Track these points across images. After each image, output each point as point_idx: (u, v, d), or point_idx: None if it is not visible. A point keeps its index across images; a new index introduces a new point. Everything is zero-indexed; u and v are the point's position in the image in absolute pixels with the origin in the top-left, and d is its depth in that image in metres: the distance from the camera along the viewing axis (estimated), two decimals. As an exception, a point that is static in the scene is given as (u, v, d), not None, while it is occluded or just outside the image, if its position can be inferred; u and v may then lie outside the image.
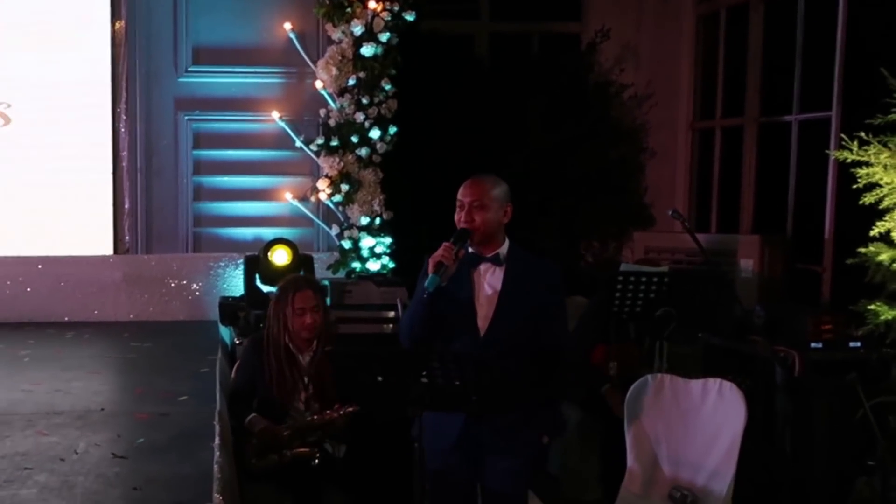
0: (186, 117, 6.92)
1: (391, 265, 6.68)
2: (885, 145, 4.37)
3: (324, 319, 4.44)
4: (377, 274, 6.57)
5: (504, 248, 3.66)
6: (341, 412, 4.13)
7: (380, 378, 3.34)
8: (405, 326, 3.69)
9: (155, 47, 6.87)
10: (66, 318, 6.64)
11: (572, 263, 7.65)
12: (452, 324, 3.58)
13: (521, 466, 3.69)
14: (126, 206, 6.86)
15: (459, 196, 3.62)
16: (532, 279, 3.62)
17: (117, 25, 6.81)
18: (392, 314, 5.94)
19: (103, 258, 6.82)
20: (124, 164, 6.85)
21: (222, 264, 6.85)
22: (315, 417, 4.21)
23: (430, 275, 3.45)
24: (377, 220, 6.64)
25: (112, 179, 6.84)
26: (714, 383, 4.40)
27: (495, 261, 3.64)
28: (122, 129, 6.83)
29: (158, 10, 6.84)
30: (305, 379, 4.36)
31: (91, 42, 6.80)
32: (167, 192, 6.92)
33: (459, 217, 3.59)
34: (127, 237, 6.88)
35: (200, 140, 6.96)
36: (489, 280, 3.64)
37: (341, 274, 6.64)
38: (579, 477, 5.48)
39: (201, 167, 6.98)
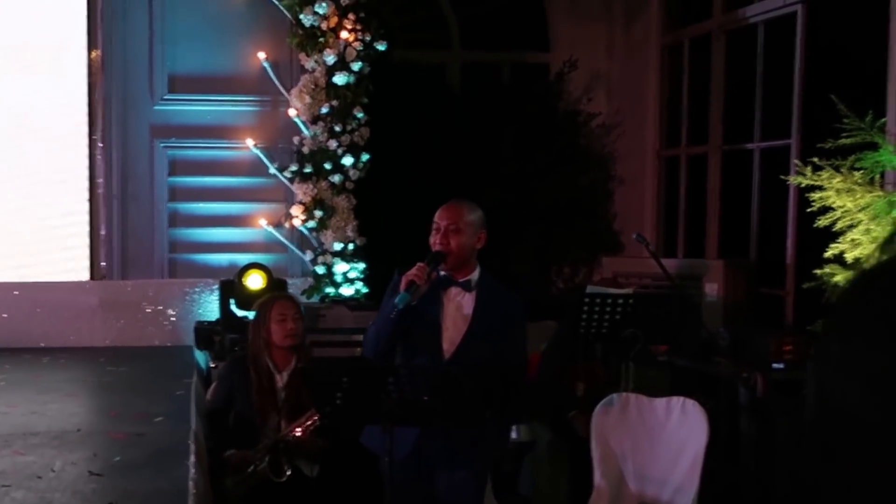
0: (162, 144, 7.02)
1: (364, 290, 6.78)
2: (837, 170, 4.54)
3: (303, 330, 4.57)
4: (350, 298, 6.67)
5: (475, 275, 3.77)
6: (301, 426, 4.23)
7: (338, 401, 3.44)
8: (370, 340, 3.79)
9: (131, 75, 6.97)
10: (42, 344, 6.67)
11: (544, 289, 7.78)
12: (416, 342, 3.69)
13: (473, 477, 3.79)
14: (102, 232, 6.92)
15: (436, 219, 3.72)
16: (499, 310, 3.75)
17: (94, 54, 6.91)
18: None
19: (79, 284, 6.87)
20: (100, 190, 6.92)
21: (198, 289, 6.92)
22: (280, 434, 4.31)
23: (402, 292, 3.56)
24: (350, 246, 6.74)
25: (88, 206, 6.91)
26: (677, 401, 4.53)
27: (466, 286, 3.75)
28: (99, 156, 6.91)
29: (134, 39, 6.95)
30: (282, 397, 4.45)
31: (67, 70, 6.89)
32: (143, 219, 7.00)
33: (435, 239, 3.69)
34: (103, 263, 6.94)
35: (176, 167, 7.06)
36: (458, 304, 3.76)
37: (315, 299, 6.73)
38: (549, 497, 5.57)
39: (177, 194, 7.07)
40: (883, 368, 0.69)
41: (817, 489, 0.75)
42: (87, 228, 6.90)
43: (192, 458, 3.85)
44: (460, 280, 3.75)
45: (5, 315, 6.71)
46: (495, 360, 3.74)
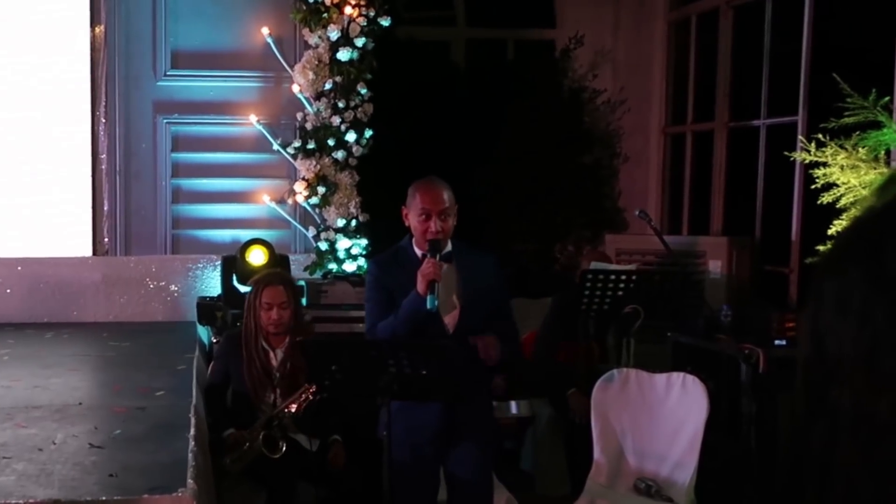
0: (165, 120, 7.00)
1: (367, 266, 6.77)
2: (842, 147, 4.52)
3: (294, 317, 4.55)
4: (353, 275, 6.67)
5: (449, 246, 3.75)
6: (296, 401, 4.25)
7: (336, 377, 3.45)
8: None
9: (134, 51, 6.94)
10: (45, 319, 6.68)
11: (547, 267, 7.77)
12: (420, 325, 3.67)
13: (486, 453, 3.80)
14: (105, 208, 6.92)
15: (423, 205, 3.64)
16: (479, 271, 3.74)
17: (97, 30, 6.89)
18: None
19: (82, 260, 6.88)
20: (103, 166, 6.91)
21: (200, 265, 6.92)
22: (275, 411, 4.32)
23: (428, 296, 3.51)
24: (353, 222, 6.74)
25: (91, 182, 6.90)
26: (678, 377, 4.54)
27: (446, 258, 3.73)
28: (101, 132, 6.90)
29: (137, 15, 6.92)
30: (277, 375, 4.46)
31: (71, 46, 6.87)
32: (146, 195, 6.99)
33: (426, 226, 3.63)
34: (106, 239, 6.94)
35: (179, 143, 7.04)
36: (444, 279, 3.73)
37: (318, 275, 6.73)
38: (550, 473, 5.60)
39: (180, 170, 7.05)
40: (877, 306, 0.66)
41: (809, 433, 0.72)
42: (89, 204, 6.90)
43: (192, 432, 3.86)
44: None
45: (9, 290, 6.73)
46: (492, 320, 3.74)
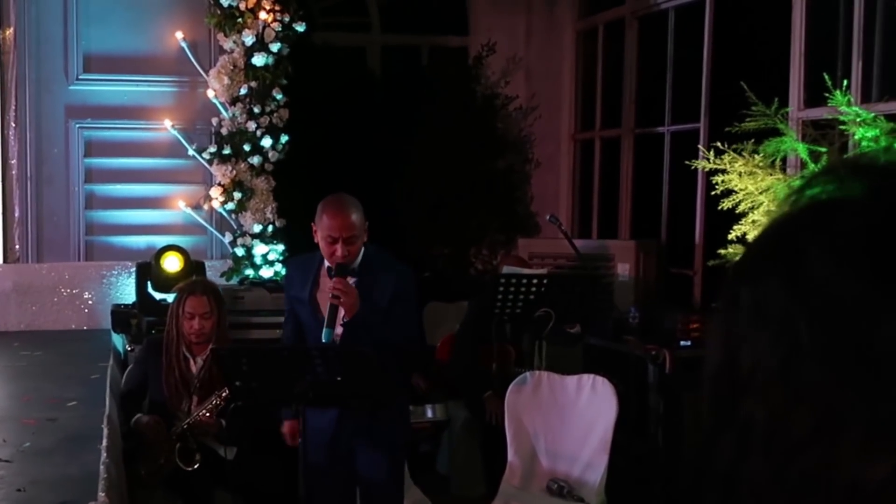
0: (77, 125, 6.91)
1: (284, 272, 6.79)
2: (739, 154, 4.72)
3: (217, 327, 4.57)
4: (270, 280, 6.68)
5: (357, 259, 3.79)
6: (207, 409, 4.27)
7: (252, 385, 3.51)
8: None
9: (45, 54, 6.84)
10: (-47, 329, 6.56)
11: (463, 271, 7.89)
12: (314, 332, 3.76)
13: (394, 457, 3.88)
14: (16, 214, 6.80)
15: (329, 232, 3.66)
16: (381, 284, 3.76)
17: (6, 32, 6.77)
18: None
19: (-8, 267, 6.76)
20: (14, 172, 6.79)
21: (115, 272, 6.85)
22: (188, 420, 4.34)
23: (325, 329, 3.59)
24: (270, 228, 6.75)
25: (1, 188, 6.78)
26: (588, 379, 4.68)
27: (352, 273, 3.77)
28: (12, 137, 6.78)
29: (48, 18, 6.82)
30: (196, 383, 4.48)
31: (-22, 49, 6.75)
32: (58, 201, 6.89)
33: (333, 249, 3.67)
34: (17, 246, 6.82)
35: (92, 148, 6.96)
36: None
37: (234, 281, 6.73)
38: (466, 475, 5.70)
39: (93, 175, 6.97)
40: (797, 315, 0.61)
41: (714, 446, 0.66)
42: (-1, 211, 6.79)
43: (105, 443, 3.85)
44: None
45: (-85, 299, 6.57)
46: (388, 337, 3.74)
